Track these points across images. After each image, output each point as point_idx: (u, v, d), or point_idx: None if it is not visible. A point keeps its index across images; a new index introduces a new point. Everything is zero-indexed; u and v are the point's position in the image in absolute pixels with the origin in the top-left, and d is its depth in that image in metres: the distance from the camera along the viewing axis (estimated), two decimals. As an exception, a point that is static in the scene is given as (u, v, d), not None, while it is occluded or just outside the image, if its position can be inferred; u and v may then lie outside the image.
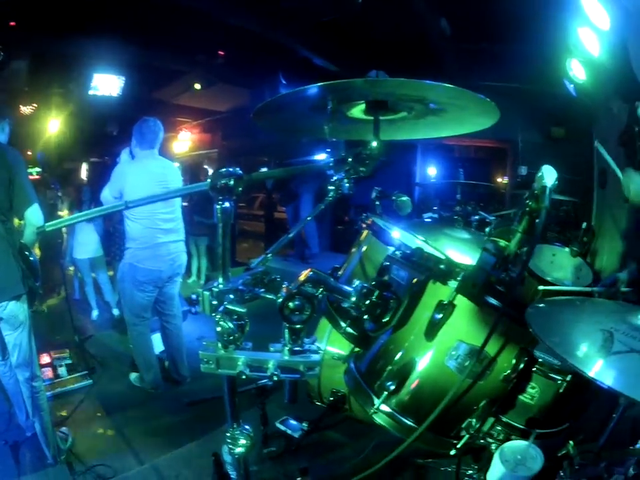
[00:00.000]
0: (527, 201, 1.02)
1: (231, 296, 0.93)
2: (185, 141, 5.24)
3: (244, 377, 0.97)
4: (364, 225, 1.79)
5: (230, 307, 0.92)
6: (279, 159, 6.65)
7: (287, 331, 1.01)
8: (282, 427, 2.64)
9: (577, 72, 3.64)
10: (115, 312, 4.54)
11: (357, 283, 1.08)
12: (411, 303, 1.13)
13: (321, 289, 0.99)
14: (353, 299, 1.05)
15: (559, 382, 1.24)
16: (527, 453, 1.35)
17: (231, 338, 0.93)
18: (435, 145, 7.25)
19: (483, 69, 4.95)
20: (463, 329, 1.10)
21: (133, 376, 3.39)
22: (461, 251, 2.17)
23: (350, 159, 1.07)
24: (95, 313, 4.55)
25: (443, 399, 1.13)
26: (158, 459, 2.39)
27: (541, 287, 1.88)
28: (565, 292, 2.18)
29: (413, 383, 1.14)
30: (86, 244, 4.40)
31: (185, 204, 3.31)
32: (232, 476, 2.09)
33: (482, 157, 8.63)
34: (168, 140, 4.51)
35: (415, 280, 1.08)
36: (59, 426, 2.51)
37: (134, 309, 3.16)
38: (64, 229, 4.39)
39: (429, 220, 5.17)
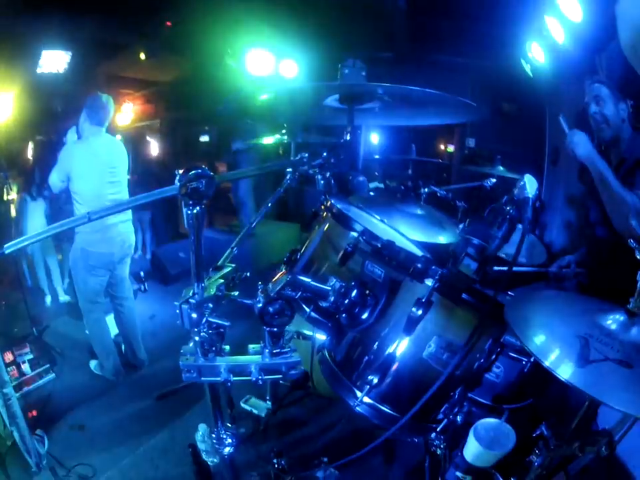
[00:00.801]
0: (507, 208, 1.02)
1: (210, 305, 0.89)
2: (128, 112, 5.01)
3: (229, 384, 0.95)
4: (323, 208, 1.76)
5: (213, 320, 0.87)
6: (221, 128, 6.47)
7: (267, 334, 0.99)
8: (247, 407, 2.65)
9: (536, 54, 3.70)
10: (63, 299, 4.38)
11: (333, 281, 1.06)
12: (388, 299, 1.12)
13: (300, 292, 0.96)
14: (332, 298, 1.03)
15: (524, 362, 1.28)
16: (500, 430, 1.42)
17: (213, 348, 0.90)
18: None
19: (436, 44, 4.94)
20: (440, 323, 1.12)
21: (93, 364, 3.32)
22: (414, 228, 2.20)
23: (324, 154, 1.03)
24: (48, 299, 4.36)
25: (421, 389, 1.16)
26: (134, 453, 2.37)
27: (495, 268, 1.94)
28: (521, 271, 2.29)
29: (393, 375, 1.16)
30: (36, 227, 4.16)
31: (127, 177, 3.23)
32: (209, 463, 2.10)
33: (428, 128, 8.79)
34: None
35: (392, 279, 1.07)
36: (33, 428, 2.42)
37: (88, 295, 3.09)
38: (13, 213, 4.16)
39: (374, 191, 5.28)
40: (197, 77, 4.97)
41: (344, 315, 1.07)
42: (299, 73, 5.01)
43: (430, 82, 5.51)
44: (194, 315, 0.87)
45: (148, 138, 6.28)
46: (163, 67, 4.72)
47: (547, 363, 0.86)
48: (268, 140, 4.12)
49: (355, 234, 1.47)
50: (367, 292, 1.06)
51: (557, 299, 1.11)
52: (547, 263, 2.62)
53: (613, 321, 0.97)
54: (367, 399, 1.18)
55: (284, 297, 0.93)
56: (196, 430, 2.37)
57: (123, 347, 3.43)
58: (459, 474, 1.53)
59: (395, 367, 1.14)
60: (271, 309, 0.93)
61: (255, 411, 2.64)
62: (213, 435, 1.15)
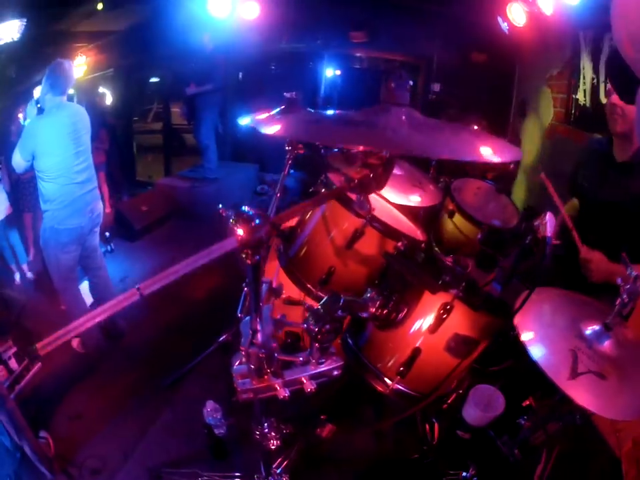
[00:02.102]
0: (528, 238, 1.16)
1: (275, 341, 0.97)
2: (81, 65, 4.73)
3: (286, 398, 1.07)
4: (323, 187, 1.82)
5: (283, 357, 0.96)
6: (172, 72, 6.53)
7: (314, 347, 1.10)
8: None
9: (516, 16, 3.83)
10: (30, 275, 4.27)
11: (370, 292, 1.18)
12: (417, 304, 1.27)
13: (348, 311, 1.07)
14: (372, 310, 1.16)
15: (511, 334, 1.50)
16: (493, 397, 1.68)
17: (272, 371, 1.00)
18: (341, 56, 7.28)
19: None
20: (459, 324, 1.30)
21: (76, 342, 3.30)
22: (397, 191, 2.32)
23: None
24: (17, 276, 4.21)
25: (440, 374, 1.36)
26: (142, 439, 2.40)
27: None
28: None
29: (418, 366, 1.33)
30: None
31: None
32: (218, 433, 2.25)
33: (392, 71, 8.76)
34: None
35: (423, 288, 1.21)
36: (35, 430, 2.38)
37: (62, 272, 3.07)
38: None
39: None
40: (154, 22, 4.76)
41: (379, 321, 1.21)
42: (259, 14, 4.80)
43: (399, 25, 5.42)
44: (262, 355, 0.94)
45: (101, 89, 6.00)
46: (118, 16, 4.43)
47: (557, 382, 1.07)
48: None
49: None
50: (402, 299, 1.19)
51: (552, 304, 1.30)
52: (519, 224, 2.83)
53: (592, 332, 1.20)
54: (396, 386, 1.35)
55: (336, 318, 1.03)
56: (194, 402, 2.50)
57: None
58: (460, 432, 1.81)
59: (420, 359, 1.31)
60: (323, 330, 1.04)
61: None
62: (257, 433, 1.28)
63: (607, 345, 1.19)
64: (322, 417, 2.47)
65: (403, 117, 0.95)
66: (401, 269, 1.21)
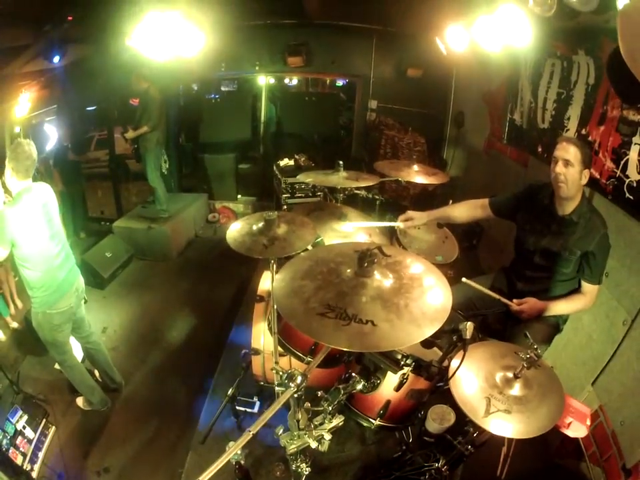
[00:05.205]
0: (454, 336, 2.04)
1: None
2: (25, 102, 5.12)
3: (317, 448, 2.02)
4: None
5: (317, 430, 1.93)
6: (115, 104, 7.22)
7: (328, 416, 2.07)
8: (241, 408, 3.44)
9: (455, 40, 4.48)
10: (15, 325, 4.73)
11: (355, 378, 2.17)
12: (385, 377, 2.29)
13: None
14: (359, 387, 2.15)
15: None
16: (446, 412, 2.66)
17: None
18: (280, 80, 7.96)
19: (345, 10, 5.69)
20: (413, 384, 2.32)
21: (80, 401, 4.00)
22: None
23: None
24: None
25: (404, 411, 2.38)
26: None
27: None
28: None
29: (390, 410, 2.37)
30: None
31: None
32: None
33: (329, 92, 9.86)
34: (9, 110, 4.62)
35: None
36: None
37: (59, 348, 3.65)
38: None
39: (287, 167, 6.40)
40: (97, 57, 5.35)
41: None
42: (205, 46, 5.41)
43: (335, 46, 6.40)
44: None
45: (47, 125, 6.37)
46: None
47: (475, 420, 1.95)
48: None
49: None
50: (376, 376, 2.19)
51: (478, 359, 2.20)
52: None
53: (504, 381, 2.04)
54: (378, 422, 2.39)
55: (339, 401, 2.01)
56: (210, 441, 3.16)
57: (96, 373, 4.12)
58: (425, 438, 2.80)
59: (390, 406, 2.34)
60: (334, 408, 2.01)
61: (248, 410, 3.53)
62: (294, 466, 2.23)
63: (515, 388, 1.96)
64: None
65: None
66: (373, 358, 2.22)
